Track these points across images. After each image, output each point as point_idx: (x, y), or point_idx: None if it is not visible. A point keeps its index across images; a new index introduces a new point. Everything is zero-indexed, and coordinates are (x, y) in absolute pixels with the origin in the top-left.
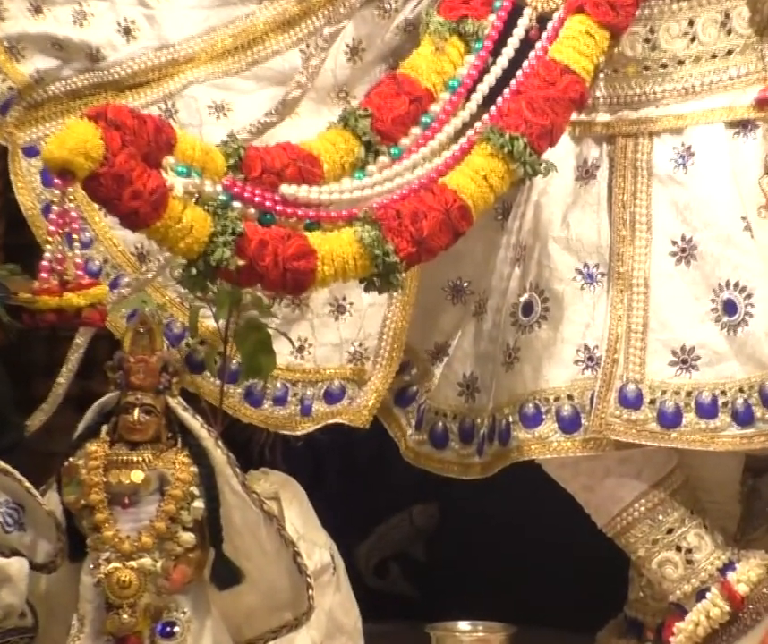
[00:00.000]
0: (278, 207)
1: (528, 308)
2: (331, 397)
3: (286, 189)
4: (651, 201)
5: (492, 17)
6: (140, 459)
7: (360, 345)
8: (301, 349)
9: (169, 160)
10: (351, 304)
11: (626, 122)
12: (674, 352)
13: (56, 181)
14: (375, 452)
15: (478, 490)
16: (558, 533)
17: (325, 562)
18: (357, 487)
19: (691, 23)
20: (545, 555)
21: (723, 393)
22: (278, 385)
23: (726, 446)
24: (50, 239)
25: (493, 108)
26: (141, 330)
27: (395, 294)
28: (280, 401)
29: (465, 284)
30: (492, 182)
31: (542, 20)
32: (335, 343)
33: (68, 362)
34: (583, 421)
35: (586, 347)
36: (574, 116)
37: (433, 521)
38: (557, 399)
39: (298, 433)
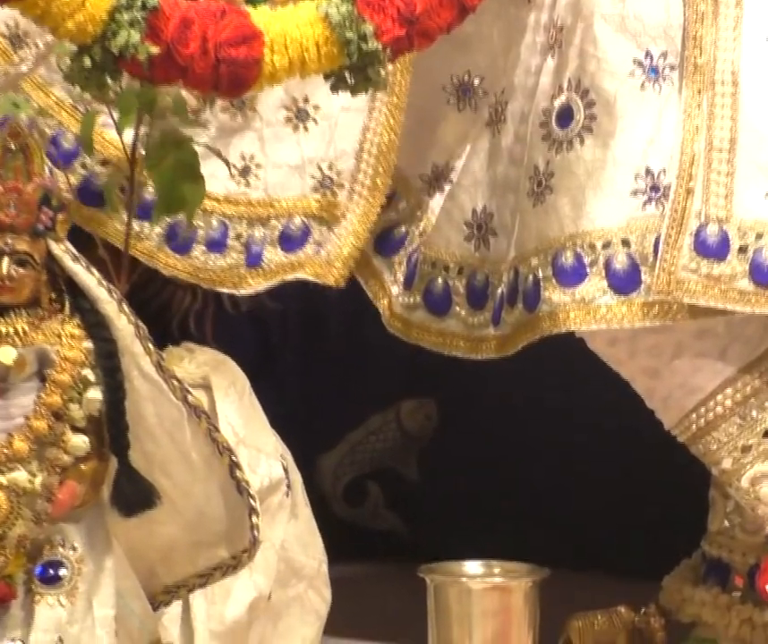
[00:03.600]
0: None
1: (566, 115)
2: (289, 242)
3: None
4: None
5: None
6: (11, 330)
7: (330, 167)
8: (245, 172)
9: None
10: (316, 108)
11: None
12: None
13: None
14: (348, 323)
15: (493, 379)
16: (606, 441)
17: (275, 477)
18: (322, 373)
19: None
20: (587, 471)
21: None
22: (214, 222)
23: None
24: None
25: None
26: (13, 146)
27: (378, 96)
28: (216, 245)
29: (476, 82)
30: None
31: None
32: (294, 163)
33: None
34: (643, 277)
35: (649, 172)
36: None
37: (429, 425)
38: (606, 245)
39: (241, 293)
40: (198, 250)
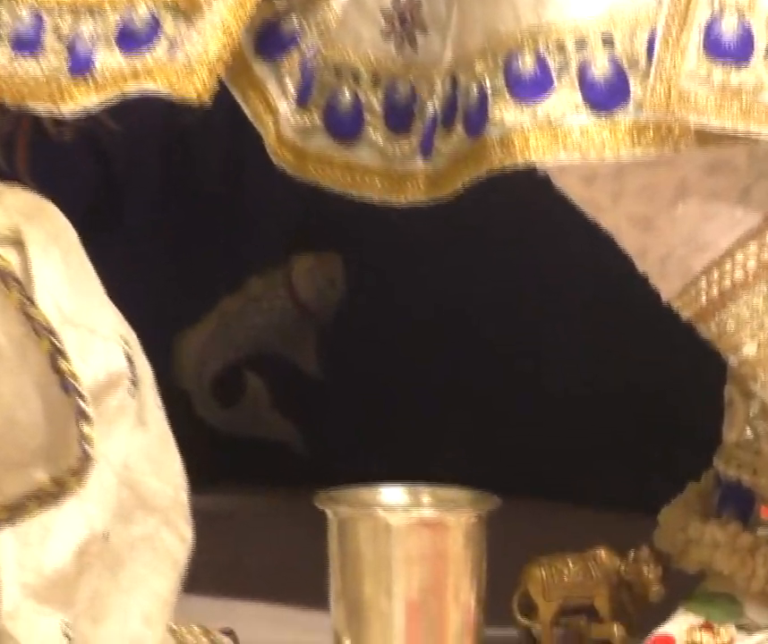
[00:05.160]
0: None
1: None
2: (131, 40)
3: None
4: None
5: None
6: None
7: None
8: None
9: None
10: None
11: None
12: None
13: None
14: (220, 151)
15: (422, 230)
16: (580, 317)
17: (115, 369)
18: (182, 220)
19: None
20: (554, 363)
21: None
22: (23, 13)
23: None
24: None
25: None
26: None
27: None
28: (27, 45)
29: None
30: None
31: None
32: None
33: None
34: (633, 89)
35: None
36: None
37: (333, 293)
38: (581, 45)
39: (64, 111)
40: (2, 52)
